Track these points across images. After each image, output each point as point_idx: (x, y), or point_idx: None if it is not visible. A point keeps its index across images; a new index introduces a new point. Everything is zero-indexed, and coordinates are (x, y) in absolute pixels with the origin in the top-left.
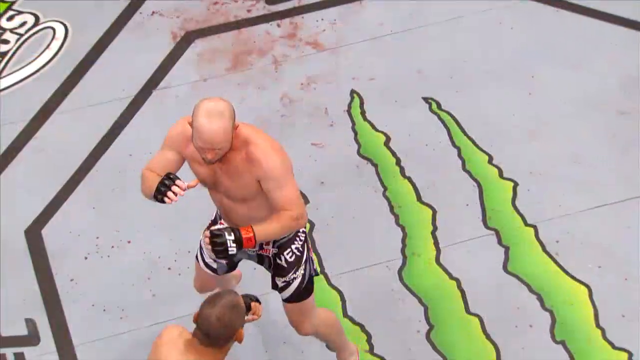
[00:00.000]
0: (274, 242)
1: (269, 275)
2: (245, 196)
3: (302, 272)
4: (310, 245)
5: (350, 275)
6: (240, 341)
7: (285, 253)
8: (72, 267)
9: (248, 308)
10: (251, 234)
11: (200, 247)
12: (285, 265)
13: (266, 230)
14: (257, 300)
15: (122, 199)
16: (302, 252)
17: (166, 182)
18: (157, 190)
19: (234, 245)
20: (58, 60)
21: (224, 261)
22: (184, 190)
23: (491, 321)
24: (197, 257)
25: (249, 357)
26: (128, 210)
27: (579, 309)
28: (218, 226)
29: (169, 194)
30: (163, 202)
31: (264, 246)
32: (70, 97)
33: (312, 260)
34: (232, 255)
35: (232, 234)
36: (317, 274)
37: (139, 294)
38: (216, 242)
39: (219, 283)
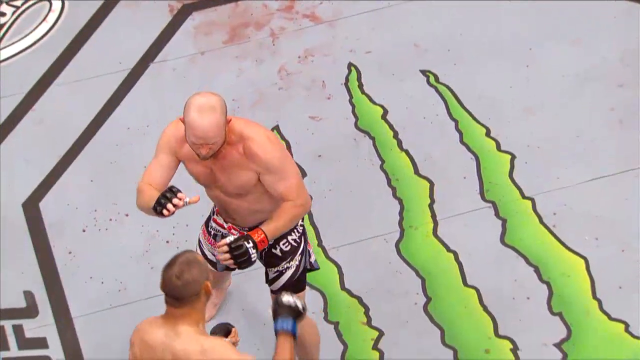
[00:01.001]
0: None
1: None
2: (243, 191)
3: (297, 263)
4: (307, 239)
5: (348, 248)
6: (208, 293)
7: (281, 243)
8: (70, 240)
9: (228, 333)
10: (262, 236)
11: (200, 242)
12: (280, 254)
13: (276, 227)
14: (232, 326)
15: (120, 172)
16: (298, 244)
17: (168, 194)
18: (158, 202)
19: (254, 251)
20: (55, 32)
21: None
22: (184, 203)
23: (488, 293)
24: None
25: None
26: (126, 184)
27: (576, 280)
28: (230, 238)
29: (168, 205)
30: (161, 213)
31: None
32: (67, 69)
33: (310, 254)
34: (254, 262)
35: (250, 241)
36: (316, 268)
37: (137, 267)
38: (238, 254)
39: (216, 280)
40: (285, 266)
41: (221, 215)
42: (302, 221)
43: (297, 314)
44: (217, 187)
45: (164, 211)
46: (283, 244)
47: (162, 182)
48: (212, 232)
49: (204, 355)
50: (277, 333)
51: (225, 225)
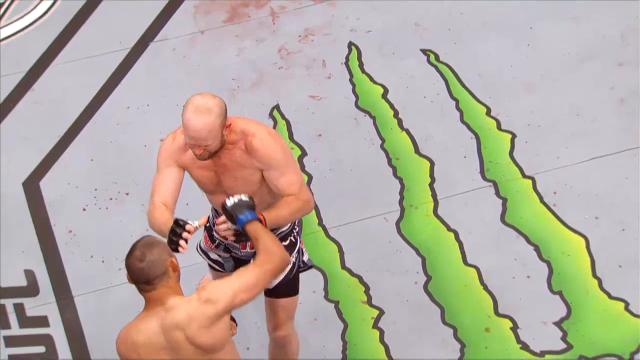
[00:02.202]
0: None
1: None
2: (248, 192)
3: (293, 260)
4: (301, 238)
5: (348, 227)
6: (176, 270)
7: (282, 242)
8: (71, 219)
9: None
10: (262, 218)
11: (200, 247)
12: None
13: (277, 215)
14: (233, 320)
15: (119, 151)
16: (295, 241)
17: (177, 230)
18: (170, 240)
19: (251, 207)
20: (54, 11)
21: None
22: (194, 231)
23: (488, 272)
24: (199, 251)
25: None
26: (126, 163)
27: (576, 259)
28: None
29: (181, 242)
30: (177, 252)
31: None
32: (67, 49)
33: (303, 252)
34: (246, 208)
35: (251, 200)
36: (310, 266)
37: None
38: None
39: None
40: None
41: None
42: (297, 224)
43: (249, 204)
44: (222, 191)
45: (180, 249)
46: (284, 241)
47: (171, 195)
48: (217, 241)
49: (207, 300)
50: (244, 229)
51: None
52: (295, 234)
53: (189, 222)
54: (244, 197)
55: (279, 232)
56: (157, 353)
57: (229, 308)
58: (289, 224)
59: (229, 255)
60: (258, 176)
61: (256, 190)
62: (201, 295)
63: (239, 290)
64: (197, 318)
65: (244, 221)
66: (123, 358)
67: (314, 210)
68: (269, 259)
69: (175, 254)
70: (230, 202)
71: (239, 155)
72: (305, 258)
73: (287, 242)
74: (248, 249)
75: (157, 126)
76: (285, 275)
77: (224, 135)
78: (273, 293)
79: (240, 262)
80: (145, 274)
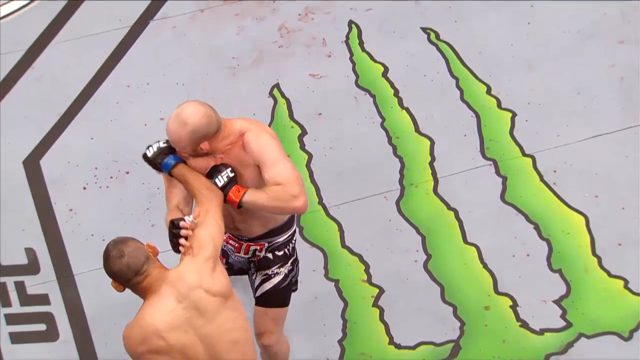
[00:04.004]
0: (266, 248)
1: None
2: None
3: (286, 271)
4: (297, 258)
5: (348, 206)
6: (155, 253)
7: (276, 250)
8: (71, 198)
9: None
10: (242, 191)
11: None
12: (272, 258)
13: (256, 195)
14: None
15: (120, 130)
16: (291, 254)
17: (174, 231)
18: (171, 242)
19: (226, 179)
20: None
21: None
22: (189, 226)
23: (488, 250)
24: None
25: None
26: (126, 141)
27: (576, 238)
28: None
29: (181, 241)
30: (179, 252)
31: (257, 253)
32: (67, 27)
33: (298, 267)
34: (216, 184)
35: (233, 174)
36: (295, 289)
37: (138, 224)
38: (218, 167)
39: None
40: (275, 271)
41: (226, 225)
42: (295, 235)
43: (169, 148)
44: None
45: (181, 248)
46: (278, 251)
47: (184, 197)
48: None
49: (198, 252)
50: (171, 174)
51: (224, 236)
52: (291, 247)
53: (183, 218)
54: (162, 144)
55: (274, 241)
56: (184, 327)
57: (217, 248)
58: (286, 235)
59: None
60: (256, 173)
61: (259, 188)
62: (191, 253)
63: (213, 233)
64: (203, 269)
65: (170, 165)
66: (146, 351)
67: (313, 189)
68: (209, 196)
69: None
70: (150, 152)
71: (238, 153)
72: (298, 278)
73: (281, 253)
74: (242, 254)
75: (157, 105)
76: (275, 285)
77: (195, 150)
78: (263, 302)
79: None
80: (133, 266)
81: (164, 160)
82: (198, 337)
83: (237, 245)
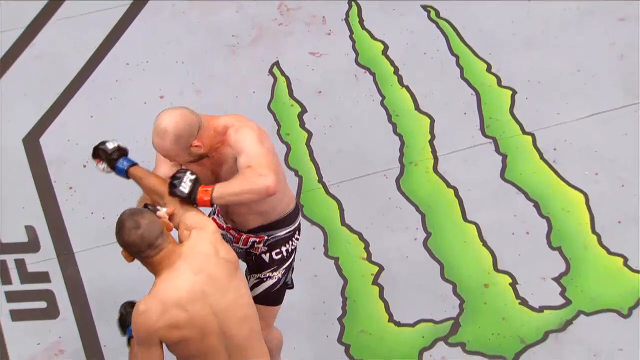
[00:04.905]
0: (266, 241)
1: None
2: None
3: (279, 275)
4: (295, 257)
5: (348, 184)
6: (169, 228)
7: (274, 252)
8: (71, 176)
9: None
10: (209, 189)
11: None
12: (268, 261)
13: (226, 185)
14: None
15: (119, 108)
16: (289, 256)
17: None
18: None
19: (190, 184)
20: None
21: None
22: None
23: (488, 229)
24: None
25: None
26: (126, 120)
27: (576, 215)
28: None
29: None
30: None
31: (255, 245)
32: (66, 4)
33: (293, 270)
34: (181, 192)
35: (193, 176)
36: (291, 287)
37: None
38: (176, 175)
39: None
40: (268, 275)
41: (222, 216)
42: (299, 235)
43: (120, 150)
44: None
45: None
46: (276, 254)
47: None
48: None
49: (201, 229)
50: (129, 176)
51: (225, 226)
52: (291, 249)
53: (157, 208)
54: (110, 145)
55: (274, 235)
56: (202, 301)
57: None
58: (286, 231)
59: None
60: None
61: None
62: (195, 228)
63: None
64: (213, 239)
65: (127, 168)
66: (165, 325)
67: (313, 167)
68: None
69: None
70: (103, 147)
71: (225, 150)
72: (292, 276)
73: (279, 256)
74: (241, 244)
75: (156, 83)
76: (267, 289)
77: (192, 153)
78: (254, 301)
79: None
80: (147, 239)
81: (121, 161)
82: (213, 311)
83: (236, 235)
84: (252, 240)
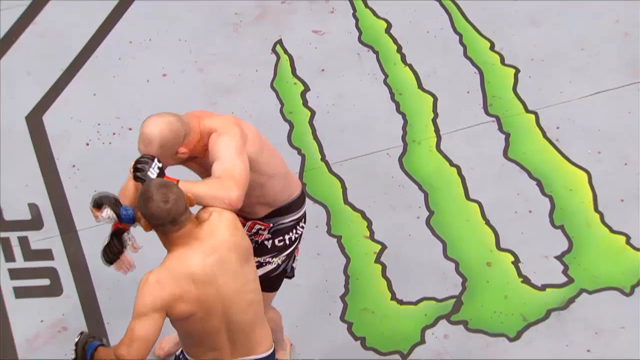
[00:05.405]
0: (270, 228)
1: None
2: None
3: (279, 262)
4: (299, 245)
5: (351, 162)
6: (191, 204)
7: (276, 239)
8: (74, 153)
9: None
10: (175, 181)
11: None
12: (269, 247)
13: (190, 184)
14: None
15: (122, 86)
16: (291, 244)
17: (116, 249)
18: (113, 251)
19: (157, 171)
20: None
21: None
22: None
23: (491, 207)
24: None
25: None
26: (129, 98)
27: (578, 194)
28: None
29: (117, 262)
30: (110, 263)
31: (260, 232)
32: None
33: (294, 259)
34: (148, 178)
35: (161, 164)
36: (291, 276)
37: None
38: (141, 160)
39: None
40: (267, 260)
41: None
42: (304, 223)
43: (113, 199)
44: None
45: (115, 263)
46: (278, 240)
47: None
48: None
49: (227, 215)
50: (128, 223)
51: None
52: (293, 237)
53: (129, 233)
54: (101, 196)
55: (279, 222)
56: (211, 281)
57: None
58: (291, 218)
59: None
60: None
61: None
62: (215, 210)
63: None
64: (232, 224)
65: (132, 215)
66: (173, 297)
67: (316, 145)
68: None
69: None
70: (104, 215)
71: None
72: (291, 265)
73: (281, 243)
74: (246, 230)
75: (159, 61)
76: (265, 274)
77: (178, 159)
78: None
79: None
80: (172, 214)
81: (122, 210)
82: (219, 294)
83: (242, 221)
84: (257, 226)
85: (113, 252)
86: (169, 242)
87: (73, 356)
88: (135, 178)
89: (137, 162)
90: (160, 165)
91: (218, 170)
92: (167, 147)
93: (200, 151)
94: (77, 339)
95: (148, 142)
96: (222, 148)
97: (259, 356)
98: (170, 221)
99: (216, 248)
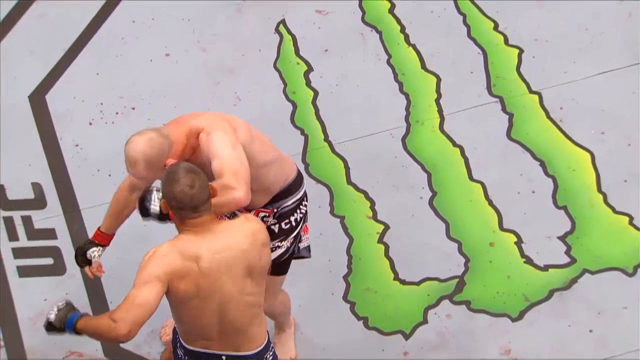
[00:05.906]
0: (274, 213)
1: None
2: None
3: (288, 245)
4: (305, 224)
5: (354, 143)
6: (214, 195)
7: (283, 222)
8: (77, 133)
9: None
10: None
11: None
12: (276, 231)
13: None
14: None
15: (125, 66)
16: (297, 225)
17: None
18: (82, 259)
19: (158, 202)
20: None
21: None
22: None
23: (494, 187)
24: None
25: None
26: (132, 77)
27: (582, 174)
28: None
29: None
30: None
31: (264, 219)
32: None
33: (302, 239)
34: (149, 213)
35: (160, 193)
36: (305, 256)
37: None
38: (145, 196)
39: None
40: (277, 244)
41: None
42: (306, 201)
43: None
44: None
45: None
46: (285, 224)
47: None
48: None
49: (256, 223)
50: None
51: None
52: (298, 217)
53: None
54: (60, 304)
55: (282, 205)
56: (213, 273)
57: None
58: (294, 199)
59: None
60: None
61: None
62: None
63: None
64: (252, 238)
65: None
66: (175, 271)
67: (319, 126)
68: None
69: None
70: (53, 317)
71: (199, 154)
72: (304, 245)
73: (287, 226)
74: None
75: (162, 41)
76: (276, 258)
77: (166, 169)
78: None
79: None
80: (195, 201)
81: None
82: (219, 289)
83: (245, 212)
84: (261, 214)
85: (79, 264)
86: (183, 227)
87: (52, 319)
88: (142, 215)
89: (141, 199)
90: (159, 196)
91: (218, 169)
92: (153, 163)
93: (188, 154)
94: (60, 306)
95: (133, 163)
96: (216, 145)
97: (246, 353)
98: (192, 207)
99: (225, 248)
